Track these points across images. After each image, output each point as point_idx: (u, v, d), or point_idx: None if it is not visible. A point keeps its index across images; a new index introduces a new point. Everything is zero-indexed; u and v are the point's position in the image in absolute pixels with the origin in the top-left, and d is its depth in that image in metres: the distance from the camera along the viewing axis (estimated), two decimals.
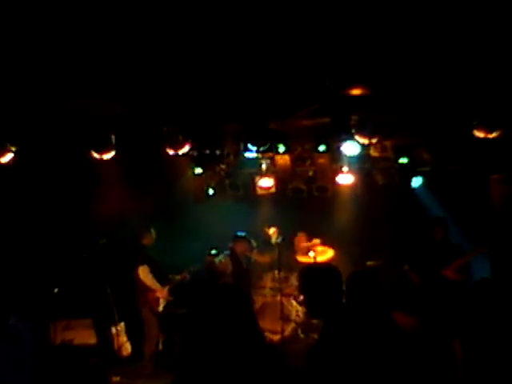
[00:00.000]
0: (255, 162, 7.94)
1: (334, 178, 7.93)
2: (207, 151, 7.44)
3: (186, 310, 7.18)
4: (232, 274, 7.75)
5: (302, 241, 8.42)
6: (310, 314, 3.24)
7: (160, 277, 7.56)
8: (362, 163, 7.80)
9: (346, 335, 2.81)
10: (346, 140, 6.90)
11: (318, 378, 2.74)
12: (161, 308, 7.51)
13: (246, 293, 2.79)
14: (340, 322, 2.87)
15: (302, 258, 8.24)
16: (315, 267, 4.00)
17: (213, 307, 2.51)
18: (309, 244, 8.24)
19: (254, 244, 8.48)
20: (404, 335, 3.03)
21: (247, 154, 7.20)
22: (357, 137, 6.57)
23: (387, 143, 7.35)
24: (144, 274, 7.38)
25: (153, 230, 7.68)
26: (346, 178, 7.84)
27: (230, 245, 7.95)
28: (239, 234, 7.99)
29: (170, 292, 7.60)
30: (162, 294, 7.47)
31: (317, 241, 8.16)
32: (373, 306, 3.14)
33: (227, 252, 7.92)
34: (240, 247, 7.93)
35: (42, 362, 3.36)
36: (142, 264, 7.39)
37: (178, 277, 7.72)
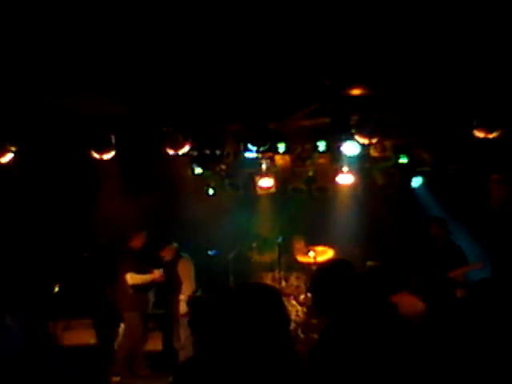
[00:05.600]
0: (255, 162, 7.93)
1: (334, 178, 7.93)
2: (207, 151, 7.43)
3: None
4: None
5: (300, 245, 8.39)
6: (316, 309, 3.18)
7: None
8: (362, 163, 7.80)
9: (349, 334, 2.80)
10: (346, 140, 6.90)
11: (321, 377, 2.73)
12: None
13: None
14: (344, 320, 2.86)
15: (302, 258, 8.23)
16: (329, 262, 3.89)
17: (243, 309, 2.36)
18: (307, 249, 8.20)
19: (254, 244, 8.49)
20: (411, 333, 3.01)
21: (247, 154, 7.20)
22: (357, 137, 6.57)
23: (387, 143, 7.35)
24: (134, 279, 7.38)
25: (144, 233, 7.63)
26: (346, 178, 7.84)
27: None
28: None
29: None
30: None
31: (317, 248, 8.11)
32: (378, 305, 3.12)
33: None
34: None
35: (34, 359, 3.35)
36: (130, 271, 7.38)
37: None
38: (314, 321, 7.62)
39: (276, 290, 2.58)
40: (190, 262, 7.86)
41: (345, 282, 2.94)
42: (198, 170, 7.89)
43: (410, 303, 6.56)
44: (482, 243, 7.69)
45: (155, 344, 7.95)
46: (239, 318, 2.33)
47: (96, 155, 6.77)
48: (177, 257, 7.79)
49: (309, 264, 8.05)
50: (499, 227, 7.80)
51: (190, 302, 7.51)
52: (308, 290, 7.32)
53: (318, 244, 8.17)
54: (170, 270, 7.66)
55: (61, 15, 4.25)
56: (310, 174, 8.26)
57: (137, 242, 7.59)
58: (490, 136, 6.14)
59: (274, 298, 2.45)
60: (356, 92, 6.12)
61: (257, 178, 8.17)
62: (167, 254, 7.75)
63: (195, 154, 7.45)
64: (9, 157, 6.69)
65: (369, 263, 7.81)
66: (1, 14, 4.18)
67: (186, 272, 7.76)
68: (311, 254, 7.96)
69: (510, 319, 3.38)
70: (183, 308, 7.55)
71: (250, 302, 2.37)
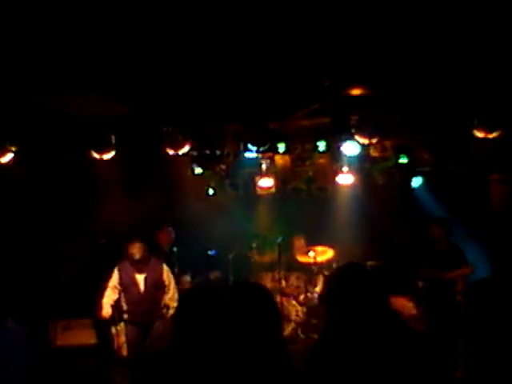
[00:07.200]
0: (255, 162, 7.94)
1: (334, 178, 7.93)
2: (207, 151, 7.44)
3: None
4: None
5: (300, 244, 8.40)
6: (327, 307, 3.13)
7: None
8: (362, 163, 7.81)
9: (349, 334, 2.80)
10: (345, 140, 6.90)
11: (320, 377, 2.73)
12: None
13: None
14: (344, 320, 2.85)
15: (302, 258, 8.25)
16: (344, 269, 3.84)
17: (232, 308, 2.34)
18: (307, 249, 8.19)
19: (254, 244, 8.49)
20: (410, 335, 3.01)
21: (247, 154, 7.21)
22: (357, 137, 6.58)
23: (387, 143, 7.36)
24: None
25: (170, 229, 7.68)
26: (346, 178, 7.84)
27: None
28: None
29: None
30: None
31: (317, 248, 8.12)
32: (376, 306, 3.12)
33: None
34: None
35: (37, 364, 3.36)
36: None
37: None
38: (314, 321, 7.64)
39: (268, 291, 2.57)
40: None
41: (361, 288, 2.91)
42: (198, 170, 7.89)
43: (401, 305, 6.59)
44: (482, 243, 7.69)
45: None
46: (229, 316, 2.33)
47: (96, 155, 6.78)
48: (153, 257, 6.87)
49: (309, 264, 8.07)
50: (499, 227, 7.80)
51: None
52: (320, 298, 7.31)
53: (318, 244, 8.19)
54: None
55: (61, 15, 4.25)
56: (310, 174, 8.27)
57: (163, 239, 7.63)
58: (490, 136, 6.15)
59: (265, 298, 2.45)
60: (356, 92, 6.13)
61: (257, 178, 8.18)
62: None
63: (195, 154, 7.45)
64: (9, 157, 6.70)
65: (369, 263, 7.82)
66: (1, 14, 4.18)
67: (171, 278, 6.93)
68: (311, 253, 7.97)
69: (510, 319, 3.38)
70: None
71: (240, 302, 2.37)
